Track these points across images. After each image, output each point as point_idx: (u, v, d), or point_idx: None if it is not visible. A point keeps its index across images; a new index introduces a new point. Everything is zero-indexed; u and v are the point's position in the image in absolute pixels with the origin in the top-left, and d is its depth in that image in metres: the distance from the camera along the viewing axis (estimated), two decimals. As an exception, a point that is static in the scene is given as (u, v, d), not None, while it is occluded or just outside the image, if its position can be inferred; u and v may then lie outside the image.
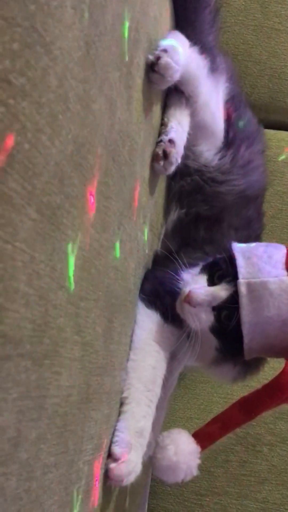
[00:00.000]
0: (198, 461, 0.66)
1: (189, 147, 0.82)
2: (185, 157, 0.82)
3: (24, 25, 0.32)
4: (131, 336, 0.70)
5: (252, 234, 0.87)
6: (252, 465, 1.06)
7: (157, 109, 0.74)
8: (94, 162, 0.48)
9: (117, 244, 0.59)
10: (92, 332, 0.51)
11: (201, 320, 0.67)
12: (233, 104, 0.88)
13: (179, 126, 0.76)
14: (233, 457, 1.06)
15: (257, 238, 0.89)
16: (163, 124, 0.77)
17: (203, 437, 0.66)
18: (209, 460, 1.06)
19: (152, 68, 0.65)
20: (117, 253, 0.59)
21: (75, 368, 0.47)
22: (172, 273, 0.74)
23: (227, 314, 0.66)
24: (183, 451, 0.64)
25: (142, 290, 0.73)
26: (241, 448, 1.06)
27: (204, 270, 0.71)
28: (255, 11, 1.20)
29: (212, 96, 0.82)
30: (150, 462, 0.67)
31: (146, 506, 1.04)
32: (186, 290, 0.68)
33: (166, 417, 1.08)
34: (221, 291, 0.67)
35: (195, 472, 0.66)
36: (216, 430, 0.66)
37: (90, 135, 0.46)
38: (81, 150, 0.44)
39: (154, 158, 0.72)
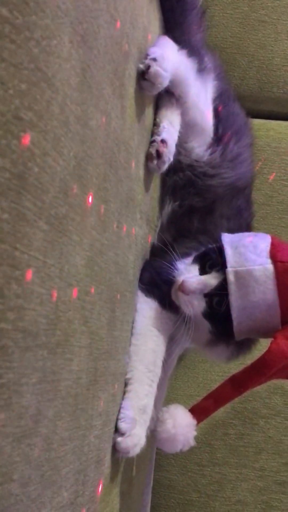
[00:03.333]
0: (195, 433, 0.73)
1: (181, 144, 0.87)
2: (177, 153, 0.87)
3: (30, 67, 0.38)
4: (132, 322, 0.76)
5: (243, 223, 0.93)
6: (249, 437, 1.14)
7: (149, 111, 0.80)
8: (94, 172, 0.53)
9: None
10: (98, 322, 0.58)
11: (194, 306, 0.74)
12: (221, 100, 0.93)
13: (170, 126, 0.82)
14: (232, 430, 1.14)
15: (248, 226, 0.95)
16: (155, 125, 0.82)
17: (198, 412, 0.73)
18: (209, 434, 1.14)
19: (143, 76, 0.70)
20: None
21: (84, 354, 0.54)
22: (168, 264, 0.80)
23: (217, 300, 0.73)
24: (180, 424, 0.72)
25: (141, 280, 0.80)
26: (239, 422, 1.14)
27: (196, 260, 0.78)
28: (242, 4, 1.24)
29: (201, 95, 0.87)
30: (154, 436, 0.74)
31: (152, 477, 1.12)
32: (180, 279, 0.74)
33: (168, 395, 1.15)
34: (212, 280, 0.74)
35: (192, 442, 0.73)
36: (210, 405, 0.73)
37: (89, 149, 0.51)
38: (82, 164, 0.49)
39: (148, 157, 0.78)
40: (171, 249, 0.81)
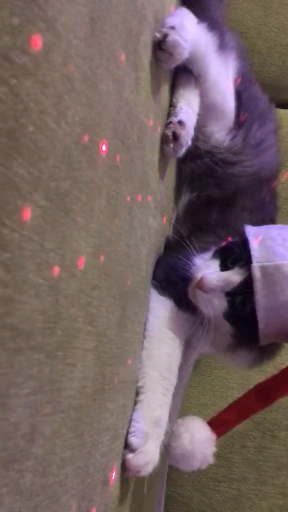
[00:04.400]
0: (214, 449, 0.65)
1: (199, 128, 0.79)
2: (195, 138, 0.79)
3: (24, -2, 0.30)
4: (145, 324, 0.68)
5: (266, 217, 0.85)
6: (269, 451, 1.05)
7: (165, 89, 0.72)
8: (103, 146, 0.46)
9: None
10: (106, 321, 0.50)
11: (214, 306, 0.66)
12: (243, 82, 0.85)
13: (188, 107, 0.74)
14: (250, 443, 1.05)
15: (271, 220, 0.86)
16: (172, 105, 0.74)
17: (218, 425, 0.65)
18: (226, 447, 1.05)
19: (160, 46, 0.62)
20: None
21: (90, 358, 0.46)
22: (184, 259, 0.72)
23: (241, 299, 0.65)
24: (198, 439, 0.63)
25: (155, 277, 0.72)
26: (258, 434, 1.05)
27: (216, 254, 0.70)
28: (263, -15, 1.16)
29: (222, 75, 0.80)
30: (167, 450, 0.66)
31: (164, 493, 1.03)
32: (198, 275, 0.66)
33: (182, 404, 1.07)
34: (234, 276, 0.65)
35: (211, 460, 0.65)
36: (232, 417, 0.65)
37: (98, 116, 0.44)
38: (89, 133, 0.42)
39: (164, 140, 0.70)
40: (187, 243, 0.73)
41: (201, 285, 0.66)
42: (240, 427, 1.04)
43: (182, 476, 1.05)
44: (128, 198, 0.56)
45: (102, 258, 0.48)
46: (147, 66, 0.61)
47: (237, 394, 0.71)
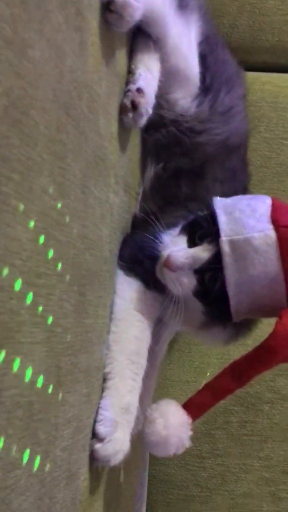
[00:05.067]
0: (190, 433, 0.62)
1: (162, 95, 0.75)
2: (158, 107, 0.75)
3: None
4: (111, 307, 0.65)
5: (239, 186, 0.81)
6: (253, 424, 1.04)
7: (121, 55, 0.67)
8: (40, 118, 0.41)
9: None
10: (59, 310, 0.46)
11: (183, 284, 0.63)
12: (208, 45, 0.80)
13: (148, 73, 0.69)
14: (233, 418, 1.04)
15: (244, 189, 0.83)
16: (130, 72, 0.69)
17: (194, 407, 0.63)
18: (209, 423, 1.04)
19: (108, 7, 0.57)
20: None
21: (39, 352, 0.42)
22: (151, 236, 0.68)
23: (210, 276, 0.61)
24: (172, 424, 0.61)
25: (120, 257, 0.68)
26: (241, 408, 1.04)
27: (184, 230, 0.66)
28: None
29: (183, 37, 0.74)
30: (141, 436, 0.63)
31: (147, 474, 1.02)
32: (165, 253, 0.63)
33: (162, 382, 1.05)
34: (203, 252, 0.62)
35: (187, 444, 0.63)
36: (207, 398, 0.62)
37: (31, 86, 0.39)
38: (19, 104, 0.37)
39: (122, 110, 0.65)
40: (155, 220, 0.69)
41: (168, 264, 0.62)
42: (222, 402, 1.03)
43: (166, 455, 1.04)
44: (80, 175, 0.52)
45: (49, 243, 0.44)
46: (95, 30, 0.56)
47: (218, 369, 0.69)
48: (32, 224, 0.40)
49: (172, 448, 0.62)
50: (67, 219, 0.48)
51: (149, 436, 0.61)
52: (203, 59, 0.78)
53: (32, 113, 0.40)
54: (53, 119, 0.44)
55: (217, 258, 0.61)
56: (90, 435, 0.56)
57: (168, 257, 0.62)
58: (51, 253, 0.45)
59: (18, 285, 0.38)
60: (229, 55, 0.86)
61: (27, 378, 0.40)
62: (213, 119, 0.78)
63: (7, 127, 0.36)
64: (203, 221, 0.65)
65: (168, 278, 0.63)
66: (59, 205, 0.46)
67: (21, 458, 0.39)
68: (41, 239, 0.43)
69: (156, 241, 0.68)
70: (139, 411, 0.62)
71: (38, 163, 0.41)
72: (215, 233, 0.62)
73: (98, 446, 0.55)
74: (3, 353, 0.36)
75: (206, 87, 0.78)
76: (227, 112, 0.79)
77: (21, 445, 0.39)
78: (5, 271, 0.36)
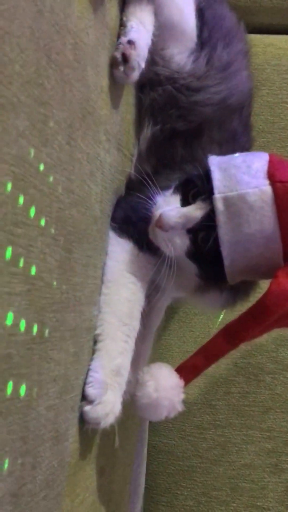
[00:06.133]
0: (182, 396, 0.61)
1: (157, 51, 0.72)
2: (153, 63, 0.72)
3: None
4: (103, 269, 0.63)
5: (239, 149, 0.77)
6: (254, 395, 1.02)
7: (111, 5, 0.64)
8: (16, 56, 0.39)
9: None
10: (41, 263, 0.44)
11: (175, 245, 0.60)
12: (205, -1, 0.77)
13: (140, 26, 0.66)
14: (235, 388, 1.02)
15: (245, 153, 0.79)
16: (121, 25, 0.66)
17: (186, 370, 0.61)
18: (210, 393, 1.02)
19: None
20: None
21: (19, 304, 0.40)
22: (145, 197, 0.66)
23: (204, 235, 0.59)
24: (164, 387, 0.59)
25: (113, 218, 0.66)
26: (243, 379, 1.02)
27: (177, 189, 0.63)
28: None
29: (178, -12, 0.71)
30: (132, 400, 0.62)
31: (146, 444, 1.01)
32: (157, 213, 0.60)
33: (162, 353, 1.03)
34: (196, 211, 0.60)
35: (179, 407, 0.61)
36: (200, 361, 0.60)
37: (2, 18, 0.37)
38: (-12, 37, 0.35)
39: (113, 63, 0.63)
40: (150, 182, 0.67)
41: (160, 223, 0.60)
42: (223, 372, 1.02)
43: (166, 426, 1.03)
44: (65, 125, 0.49)
45: (28, 191, 0.42)
46: (80, -28, 0.53)
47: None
48: (8, 168, 0.38)
49: (163, 411, 0.60)
50: (49, 168, 0.46)
51: (140, 399, 0.59)
52: (200, 12, 0.75)
53: (5, 48, 0.37)
54: (31, 59, 0.42)
55: (210, 217, 0.59)
56: (79, 396, 0.55)
57: (160, 216, 0.60)
58: (33, 203, 0.43)
59: (-9, 230, 0.36)
60: (228, 10, 0.82)
61: (4, 330, 0.38)
62: (210, 75, 0.74)
63: (-26, 58, 0.33)
64: (197, 179, 0.62)
65: (160, 238, 0.61)
66: (39, 153, 0.44)
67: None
68: (21, 186, 0.40)
69: (150, 202, 0.65)
70: (132, 375, 0.60)
71: (13, 104, 0.39)
72: (209, 191, 0.60)
73: (87, 408, 0.54)
74: (-25, 299, 0.34)
75: (203, 42, 0.74)
76: (226, 68, 0.76)
77: (-1, 399, 0.37)
78: (-25, 212, 0.34)
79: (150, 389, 0.59)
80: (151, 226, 0.62)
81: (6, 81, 0.38)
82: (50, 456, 0.47)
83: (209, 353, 0.60)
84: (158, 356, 1.00)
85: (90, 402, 0.54)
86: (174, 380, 0.60)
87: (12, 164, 0.39)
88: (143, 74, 0.68)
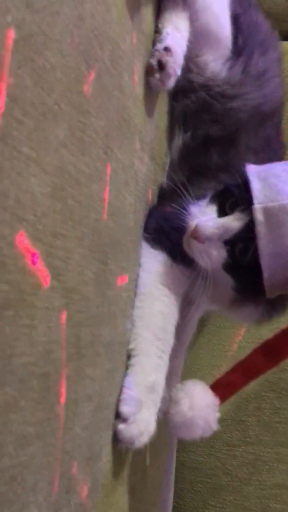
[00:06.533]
0: (218, 415, 0.58)
1: (191, 58, 0.70)
2: (187, 70, 0.70)
3: None
4: (136, 280, 0.61)
5: (274, 156, 0.76)
6: (286, 412, 0.99)
7: (147, 12, 0.62)
8: (56, 61, 0.38)
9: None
10: (78, 276, 0.43)
11: (212, 257, 0.58)
12: (241, 5, 0.75)
13: (176, 32, 0.65)
14: (266, 404, 0.99)
15: (280, 160, 0.77)
16: (157, 32, 0.65)
17: (222, 388, 0.59)
18: (240, 409, 0.99)
19: None
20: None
21: (56, 319, 0.39)
22: (179, 207, 0.64)
23: (242, 247, 0.57)
24: (199, 405, 0.57)
25: (146, 229, 0.64)
26: (274, 395, 0.99)
27: (213, 199, 0.61)
28: None
29: (214, -6, 0.69)
30: (166, 418, 0.60)
31: (174, 460, 0.99)
32: (193, 224, 0.58)
33: (190, 367, 1.01)
34: (234, 222, 0.57)
35: (214, 426, 0.59)
36: (237, 379, 0.58)
37: (45, 23, 0.35)
38: (32, 41, 0.34)
39: (148, 70, 0.61)
40: (183, 191, 0.65)
41: (196, 234, 0.58)
42: (254, 388, 0.98)
43: (194, 442, 1.00)
44: (102, 134, 0.48)
45: (67, 201, 0.40)
46: (118, -23, 0.51)
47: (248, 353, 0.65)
48: (48, 179, 0.37)
49: (198, 430, 0.58)
50: (87, 178, 0.44)
51: (174, 417, 0.57)
52: (235, 19, 0.73)
53: (47, 54, 0.36)
54: (71, 65, 0.40)
55: (249, 228, 0.57)
56: (113, 414, 0.53)
57: (196, 227, 0.58)
58: (71, 213, 0.41)
59: (31, 243, 0.35)
60: (262, 17, 0.80)
61: (41, 347, 0.36)
62: (246, 83, 0.72)
63: (18, 64, 0.32)
64: (235, 188, 0.60)
65: (196, 250, 0.59)
66: (78, 162, 0.42)
67: (37, 435, 0.36)
68: (60, 196, 0.39)
69: (183, 212, 0.63)
70: (166, 391, 0.58)
71: (54, 112, 0.38)
72: (248, 201, 0.58)
73: (121, 426, 0.52)
74: (15, 316, 0.32)
75: (239, 49, 0.72)
76: (261, 76, 0.74)
77: (35, 419, 0.36)
78: (18, 227, 0.32)
79: (184, 408, 0.57)
80: (186, 237, 0.60)
81: (48, 88, 0.36)
82: (84, 478, 0.46)
83: (247, 370, 0.58)
84: (186, 369, 0.98)
85: (124, 420, 0.52)
86: (209, 398, 0.58)
87: (52, 175, 0.37)
88: (176, 81, 0.66)
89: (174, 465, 0.98)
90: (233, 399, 0.98)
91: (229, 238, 0.58)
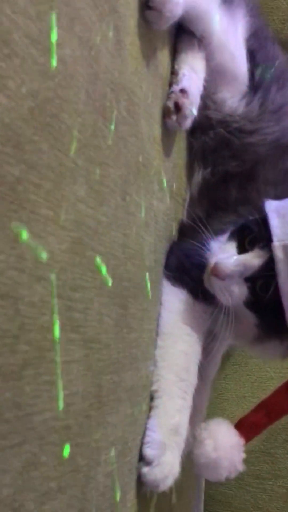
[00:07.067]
0: (243, 455, 0.57)
1: (209, 95, 0.71)
2: (205, 107, 0.71)
3: None
4: (157, 320, 0.62)
5: (293, 190, 0.76)
6: None
7: (163, 55, 0.64)
8: (72, 121, 0.39)
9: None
10: (97, 325, 0.43)
11: (233, 294, 0.58)
12: (256, 40, 0.76)
13: (192, 73, 0.66)
14: (295, 436, 0.97)
15: (300, 193, 0.77)
16: (173, 73, 0.66)
17: (247, 428, 0.58)
18: (269, 441, 0.97)
19: (147, 4, 0.54)
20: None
21: (77, 371, 0.40)
22: (200, 244, 0.64)
23: (262, 284, 0.57)
24: (223, 446, 0.56)
25: (166, 266, 0.65)
26: (303, 426, 0.97)
27: (233, 236, 0.62)
28: None
29: (229, 33, 0.70)
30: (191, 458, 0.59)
31: (203, 493, 0.97)
32: (213, 261, 0.59)
33: (217, 397, 1.00)
34: (254, 259, 0.57)
35: (240, 467, 0.58)
36: (262, 418, 0.57)
37: (60, 87, 0.37)
38: (48, 107, 0.35)
39: (165, 112, 0.62)
40: (203, 227, 0.65)
41: (216, 272, 0.58)
42: (282, 419, 0.96)
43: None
44: (120, 182, 0.49)
45: (86, 253, 0.41)
46: (132, 28, 0.53)
47: (277, 384, 0.64)
48: (66, 234, 0.38)
49: (223, 471, 0.57)
50: (105, 228, 0.45)
51: (198, 458, 0.57)
52: (252, 55, 0.74)
53: (63, 116, 0.37)
54: (87, 122, 0.42)
55: (269, 265, 0.57)
56: (137, 457, 0.53)
57: (216, 264, 0.58)
58: (88, 264, 0.42)
59: (49, 300, 0.35)
60: (279, 50, 0.81)
61: (62, 401, 0.37)
62: (264, 118, 0.73)
63: (34, 131, 0.33)
64: (254, 225, 0.60)
65: (217, 287, 0.59)
66: (96, 214, 0.43)
67: (59, 489, 0.36)
68: (77, 249, 0.40)
69: (204, 248, 0.63)
70: (189, 432, 0.58)
71: (71, 170, 0.39)
72: (267, 238, 0.58)
73: (145, 470, 0.52)
74: (35, 374, 0.33)
75: (256, 85, 0.73)
76: (279, 110, 0.74)
77: (57, 473, 0.36)
78: (38, 287, 0.33)
79: (208, 449, 0.56)
80: (206, 274, 0.60)
81: (65, 148, 0.38)
82: (108, 526, 0.46)
83: (271, 409, 0.57)
84: (213, 401, 0.97)
85: (148, 463, 0.52)
86: (234, 439, 0.57)
87: (70, 230, 0.38)
88: (194, 118, 0.67)
89: (203, 499, 0.97)
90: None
91: (250, 275, 0.58)
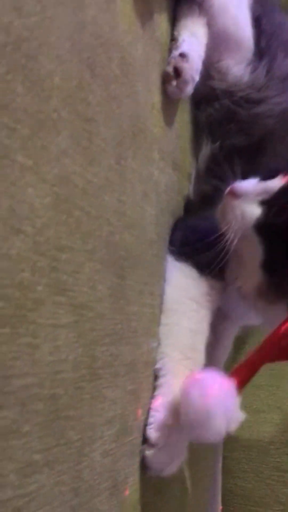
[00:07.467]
0: (238, 399, 0.48)
1: (212, 64, 0.68)
2: (208, 77, 0.68)
3: None
4: (161, 296, 0.58)
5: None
6: None
7: (161, 20, 0.61)
8: (54, 68, 0.36)
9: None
10: (89, 291, 0.40)
11: (244, 214, 0.54)
12: (261, 6, 0.72)
13: (192, 38, 0.62)
14: (316, 425, 0.92)
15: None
16: (173, 39, 0.63)
17: (240, 370, 0.50)
18: (288, 432, 0.93)
19: None
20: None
21: (65, 337, 0.37)
22: (206, 219, 0.61)
23: (277, 210, 0.53)
24: (212, 390, 0.46)
25: (171, 241, 0.61)
26: None
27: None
28: None
29: (231, -3, 0.67)
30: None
31: (220, 485, 0.93)
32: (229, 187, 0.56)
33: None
34: (274, 183, 0.54)
35: (238, 414, 0.47)
36: (253, 356, 0.51)
37: (38, 28, 0.34)
38: (23, 46, 0.32)
39: (165, 78, 0.59)
40: (210, 203, 0.62)
41: (233, 190, 0.55)
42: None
43: (241, 467, 0.94)
44: (113, 143, 0.46)
45: (73, 213, 0.38)
46: (123, -16, 0.50)
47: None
48: (48, 188, 0.35)
49: (217, 420, 0.45)
50: (96, 189, 0.42)
51: (186, 415, 0.46)
52: (257, 20, 0.71)
53: (42, 60, 0.35)
54: (72, 72, 0.39)
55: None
56: (140, 439, 0.50)
57: (234, 186, 0.55)
58: (79, 225, 0.39)
59: (30, 256, 0.33)
60: (285, 17, 0.77)
61: (48, 367, 0.34)
62: (271, 86, 0.69)
63: (6, 69, 0.31)
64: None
65: (229, 208, 0.55)
66: (84, 172, 0.40)
67: (46, 463, 0.33)
68: (64, 208, 0.37)
69: (212, 223, 0.60)
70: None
71: (53, 120, 0.36)
72: None
73: (149, 452, 0.48)
74: (13, 334, 0.30)
75: (261, 51, 0.69)
76: (287, 77, 0.70)
77: (43, 445, 0.33)
78: (16, 238, 0.31)
79: (194, 398, 0.46)
80: (221, 204, 0.57)
81: (45, 95, 0.35)
82: (107, 510, 0.42)
83: (264, 347, 0.52)
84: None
85: (152, 446, 0.49)
86: (222, 380, 0.48)
87: (53, 184, 0.36)
88: (198, 90, 0.64)
89: (220, 491, 0.93)
90: (279, 420, 0.92)
91: (267, 199, 0.54)
